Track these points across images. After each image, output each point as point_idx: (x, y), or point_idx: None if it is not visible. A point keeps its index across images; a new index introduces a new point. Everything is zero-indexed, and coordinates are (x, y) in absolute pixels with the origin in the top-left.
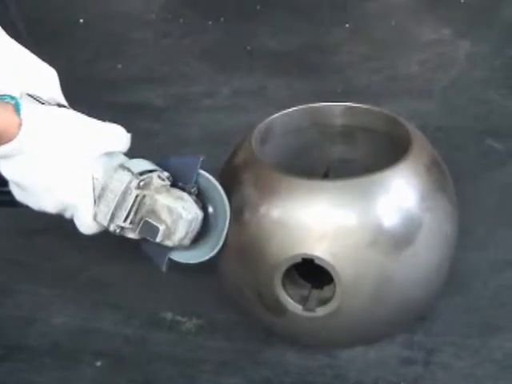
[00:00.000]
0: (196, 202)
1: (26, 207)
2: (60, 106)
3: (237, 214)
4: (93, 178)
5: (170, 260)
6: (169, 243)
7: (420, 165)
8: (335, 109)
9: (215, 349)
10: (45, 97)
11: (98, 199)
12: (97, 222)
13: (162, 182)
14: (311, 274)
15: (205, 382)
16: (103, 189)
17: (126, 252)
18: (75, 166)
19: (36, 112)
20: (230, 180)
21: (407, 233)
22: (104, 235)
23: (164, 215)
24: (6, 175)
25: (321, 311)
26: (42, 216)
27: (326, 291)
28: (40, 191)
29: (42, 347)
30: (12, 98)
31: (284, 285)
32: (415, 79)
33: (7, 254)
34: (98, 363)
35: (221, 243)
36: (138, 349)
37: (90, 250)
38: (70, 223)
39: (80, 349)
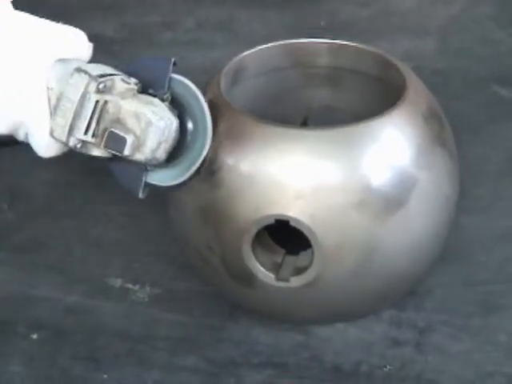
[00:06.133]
0: (170, 109)
1: None
2: None
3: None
4: (47, 89)
5: (147, 185)
6: (140, 157)
7: (416, 114)
8: (318, 46)
9: (171, 323)
10: None
11: (53, 111)
12: (55, 140)
13: (128, 86)
14: (286, 237)
15: (158, 361)
16: (59, 99)
17: (69, 205)
18: (24, 74)
19: None
20: None
21: (399, 193)
22: (43, 182)
23: (131, 123)
24: None
25: (296, 281)
26: None
27: (303, 258)
28: None
29: None
30: None
31: (254, 250)
32: (410, 14)
33: None
34: (34, 336)
35: (200, 160)
36: (81, 320)
37: (24, 201)
38: None
39: (13, 319)
